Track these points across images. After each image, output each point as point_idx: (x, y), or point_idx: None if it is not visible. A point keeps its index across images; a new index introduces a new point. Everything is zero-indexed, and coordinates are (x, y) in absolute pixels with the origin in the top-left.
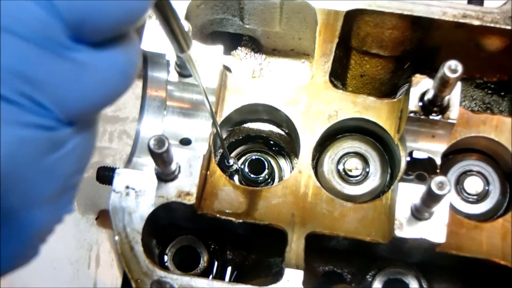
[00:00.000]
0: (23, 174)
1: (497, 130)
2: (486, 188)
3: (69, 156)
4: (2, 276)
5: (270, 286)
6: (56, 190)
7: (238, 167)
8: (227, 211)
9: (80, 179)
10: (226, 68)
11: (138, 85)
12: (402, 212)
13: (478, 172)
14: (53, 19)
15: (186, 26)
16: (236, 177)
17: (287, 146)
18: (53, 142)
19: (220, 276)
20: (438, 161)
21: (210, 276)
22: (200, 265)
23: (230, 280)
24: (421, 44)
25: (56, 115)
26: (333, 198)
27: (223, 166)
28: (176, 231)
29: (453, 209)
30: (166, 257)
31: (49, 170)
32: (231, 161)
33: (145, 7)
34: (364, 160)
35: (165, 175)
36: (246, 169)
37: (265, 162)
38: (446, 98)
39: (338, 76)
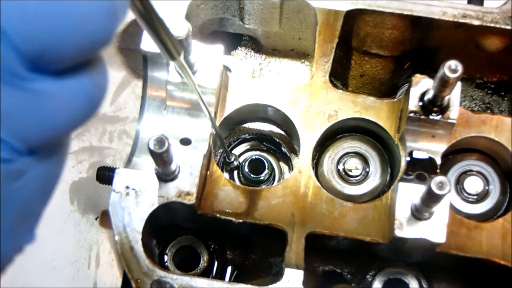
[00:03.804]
0: None
1: (497, 130)
2: (486, 188)
3: (29, 185)
4: None
5: (270, 286)
6: (16, 219)
7: (239, 163)
8: (227, 211)
9: (44, 206)
10: (226, 68)
11: (138, 85)
12: (402, 212)
13: (478, 172)
14: (8, 51)
15: (186, 26)
16: (236, 176)
17: (287, 146)
18: (10, 173)
19: (220, 276)
20: (438, 161)
21: (210, 276)
22: (200, 265)
23: (230, 280)
24: (421, 44)
25: (12, 146)
26: (333, 198)
27: (224, 163)
28: (176, 231)
29: (453, 209)
30: (166, 257)
31: (8, 200)
32: (232, 157)
33: (108, 35)
34: (364, 160)
35: (165, 175)
36: (246, 169)
37: (265, 162)
38: (446, 98)
39: (338, 76)
